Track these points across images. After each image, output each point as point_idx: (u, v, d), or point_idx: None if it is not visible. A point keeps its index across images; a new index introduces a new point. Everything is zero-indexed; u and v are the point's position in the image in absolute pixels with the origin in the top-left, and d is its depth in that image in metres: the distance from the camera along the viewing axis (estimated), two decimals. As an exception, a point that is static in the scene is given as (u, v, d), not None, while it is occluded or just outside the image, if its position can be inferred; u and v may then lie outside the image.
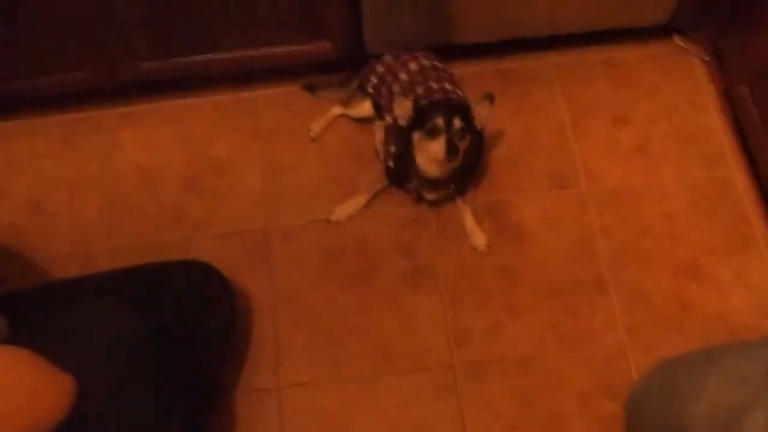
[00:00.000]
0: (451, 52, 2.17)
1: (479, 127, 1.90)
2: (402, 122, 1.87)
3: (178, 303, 1.64)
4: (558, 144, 2.17)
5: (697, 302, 1.95)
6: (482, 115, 1.87)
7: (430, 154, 1.84)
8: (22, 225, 2.08)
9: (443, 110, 1.83)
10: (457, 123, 1.81)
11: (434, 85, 1.95)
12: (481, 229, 2.03)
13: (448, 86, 1.97)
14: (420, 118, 1.84)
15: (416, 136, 1.85)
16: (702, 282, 1.98)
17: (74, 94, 2.18)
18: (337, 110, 2.20)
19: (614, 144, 2.18)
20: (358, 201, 2.08)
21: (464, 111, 1.85)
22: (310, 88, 2.25)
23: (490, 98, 1.85)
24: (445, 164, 1.85)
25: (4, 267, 2.01)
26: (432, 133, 1.81)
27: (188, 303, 1.67)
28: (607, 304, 1.95)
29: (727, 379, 1.18)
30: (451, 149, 1.79)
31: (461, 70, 2.18)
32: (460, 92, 1.98)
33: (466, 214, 2.05)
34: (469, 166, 1.97)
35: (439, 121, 1.80)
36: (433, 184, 1.96)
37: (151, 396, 1.39)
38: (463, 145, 1.82)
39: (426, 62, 2.01)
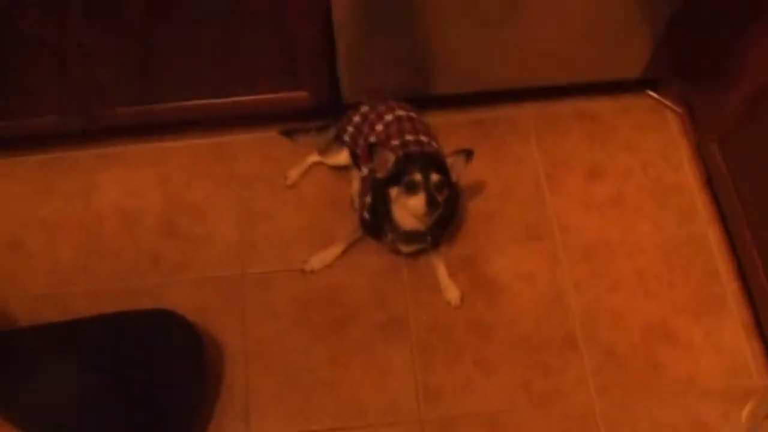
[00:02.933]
0: (428, 102, 2.18)
1: (455, 180, 1.89)
2: (381, 174, 1.86)
3: (142, 354, 1.65)
4: (533, 196, 2.18)
5: (667, 362, 1.95)
6: (459, 169, 1.86)
7: (410, 209, 1.82)
8: (-1, 265, 2.09)
9: (420, 164, 1.81)
10: (435, 177, 1.79)
11: (409, 137, 1.95)
12: (454, 281, 2.04)
13: (423, 138, 1.97)
14: (397, 173, 1.82)
15: (394, 191, 1.84)
16: (672, 342, 1.97)
17: (51, 135, 2.19)
18: (314, 157, 2.21)
19: (589, 197, 2.18)
20: (333, 251, 2.09)
21: (440, 163, 1.84)
22: (288, 134, 2.26)
23: (468, 154, 1.84)
24: (425, 218, 1.85)
25: (-21, 307, 2.02)
26: (410, 189, 1.79)
27: (153, 353, 1.67)
28: (578, 361, 1.95)
29: None
30: (431, 204, 1.78)
31: (437, 120, 2.19)
32: (435, 144, 1.99)
33: (440, 267, 2.05)
34: (445, 218, 1.96)
35: (417, 176, 1.78)
36: (409, 237, 1.95)
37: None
38: (441, 198, 1.81)
39: (402, 113, 2.01)
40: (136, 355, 1.65)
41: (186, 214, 2.16)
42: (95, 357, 1.54)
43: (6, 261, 2.09)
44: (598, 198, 2.18)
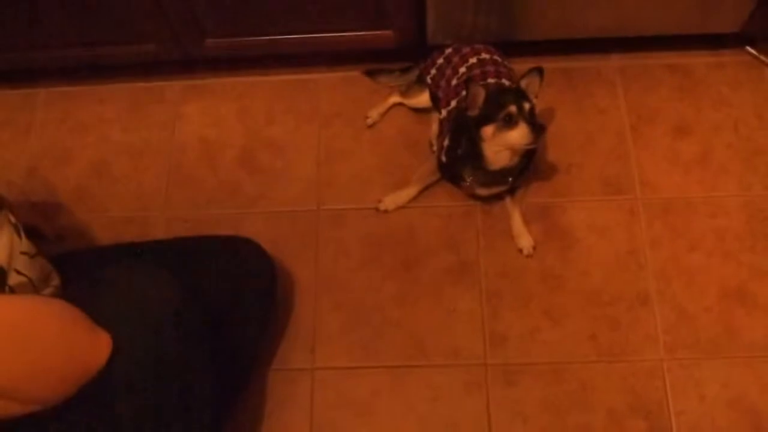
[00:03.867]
0: (514, 47, 2.13)
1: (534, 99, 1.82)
2: (472, 112, 1.81)
3: (218, 277, 1.68)
4: (615, 149, 2.13)
5: (742, 327, 1.89)
6: (534, 88, 1.81)
7: (513, 142, 1.77)
8: (86, 187, 2.17)
9: (511, 96, 1.77)
10: (527, 105, 1.75)
11: (491, 80, 1.92)
12: (528, 230, 2.02)
13: (505, 82, 1.93)
14: (486, 111, 1.78)
15: (489, 130, 1.78)
16: (749, 307, 1.91)
17: (143, 63, 2.24)
18: (395, 98, 2.20)
19: (674, 153, 2.12)
20: (408, 192, 2.09)
21: (523, 93, 1.80)
22: (371, 74, 2.26)
23: (540, 71, 1.79)
24: (530, 147, 1.80)
25: (65, 226, 2.11)
26: (508, 122, 1.75)
27: (228, 277, 1.70)
28: (649, 318, 1.91)
29: None
30: (536, 130, 1.74)
31: (522, 65, 2.09)
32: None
33: (515, 214, 2.03)
34: (529, 152, 1.90)
35: (513, 108, 1.74)
36: (493, 178, 1.92)
37: (181, 367, 1.44)
38: (538, 123, 1.77)
39: (486, 56, 1.98)
40: (213, 278, 1.68)
41: (266, 148, 2.20)
42: (175, 276, 1.57)
43: (91, 183, 2.18)
44: (683, 154, 2.11)
